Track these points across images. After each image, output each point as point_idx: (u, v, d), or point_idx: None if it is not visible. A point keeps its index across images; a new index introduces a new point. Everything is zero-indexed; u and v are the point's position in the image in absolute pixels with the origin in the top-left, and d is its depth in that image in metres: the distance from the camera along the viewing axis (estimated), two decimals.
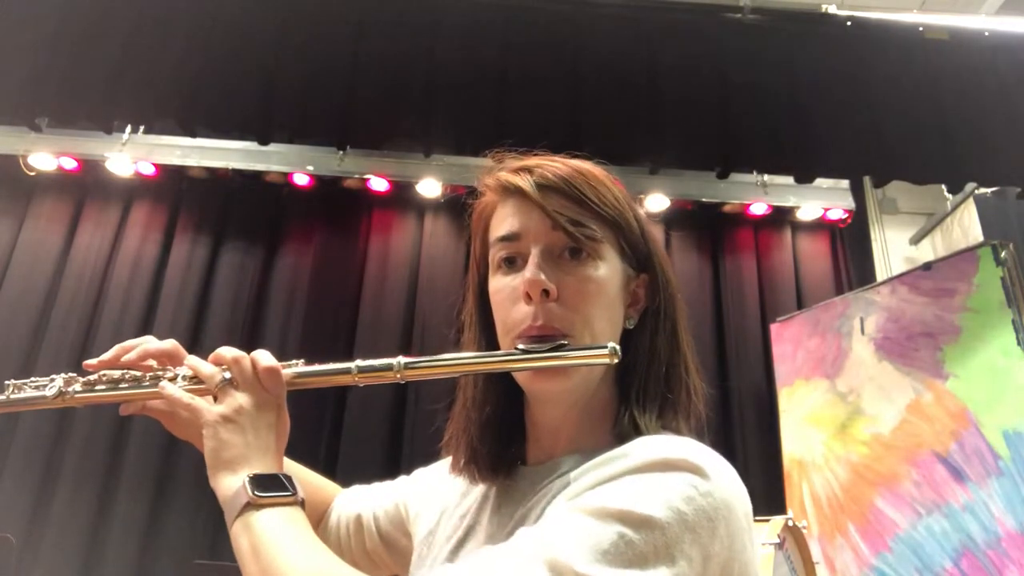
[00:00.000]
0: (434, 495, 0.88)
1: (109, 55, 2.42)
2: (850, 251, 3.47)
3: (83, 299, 3.11)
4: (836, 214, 3.40)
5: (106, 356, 0.81)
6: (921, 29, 2.62)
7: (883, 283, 2.69)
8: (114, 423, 2.93)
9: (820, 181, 3.25)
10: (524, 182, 0.74)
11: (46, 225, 3.23)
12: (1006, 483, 2.11)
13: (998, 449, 2.15)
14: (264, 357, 0.75)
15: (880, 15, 2.64)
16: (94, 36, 2.45)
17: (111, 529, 2.80)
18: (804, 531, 1.95)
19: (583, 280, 0.72)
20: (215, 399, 0.74)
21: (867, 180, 3.42)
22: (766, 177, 3.37)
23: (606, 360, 0.68)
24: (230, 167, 3.27)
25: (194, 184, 3.36)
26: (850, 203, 3.40)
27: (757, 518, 0.65)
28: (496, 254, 0.76)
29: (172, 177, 3.32)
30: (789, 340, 2.94)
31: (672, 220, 3.30)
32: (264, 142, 2.52)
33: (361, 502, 0.97)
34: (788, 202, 3.39)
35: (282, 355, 0.77)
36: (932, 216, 3.49)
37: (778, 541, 1.77)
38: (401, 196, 3.38)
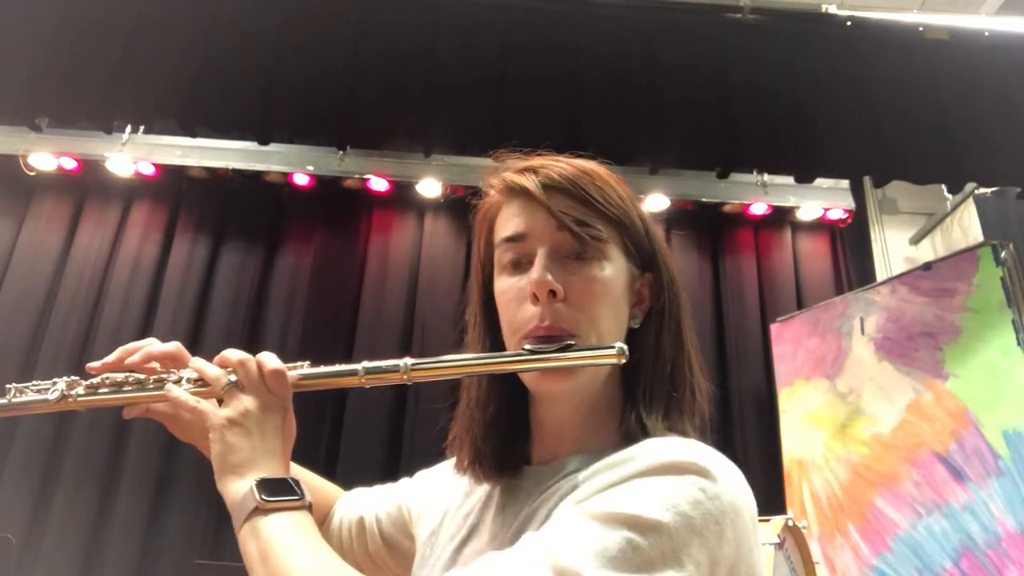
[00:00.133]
0: (437, 496, 0.88)
1: (109, 55, 2.42)
2: (850, 251, 3.47)
3: (83, 299, 3.11)
4: (836, 214, 3.40)
5: (109, 359, 0.81)
6: (921, 29, 2.62)
7: (883, 283, 2.69)
8: (114, 424, 2.93)
9: (820, 181, 3.25)
10: (529, 182, 0.74)
11: (46, 225, 3.23)
12: (1006, 483, 2.11)
13: (998, 449, 2.15)
14: (270, 360, 0.75)
15: (880, 15, 2.64)
16: (94, 36, 2.45)
17: (111, 529, 2.80)
18: (804, 531, 1.95)
19: (589, 280, 0.72)
20: (221, 402, 0.73)
21: (867, 180, 3.42)
22: (766, 177, 3.37)
23: (614, 360, 0.69)
24: (230, 167, 3.27)
25: (194, 184, 3.36)
26: (850, 203, 3.40)
27: (758, 518, 0.65)
28: (502, 255, 0.76)
29: (172, 177, 3.32)
30: (789, 340, 2.94)
31: (672, 220, 3.30)
32: (264, 142, 2.52)
33: (363, 504, 0.97)
34: (788, 202, 3.39)
35: (282, 356, 0.77)
36: (932, 216, 3.49)
37: (778, 541, 1.77)
38: (401, 196, 3.38)
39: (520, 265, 0.74)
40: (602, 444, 0.71)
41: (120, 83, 2.41)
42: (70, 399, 0.78)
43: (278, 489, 0.68)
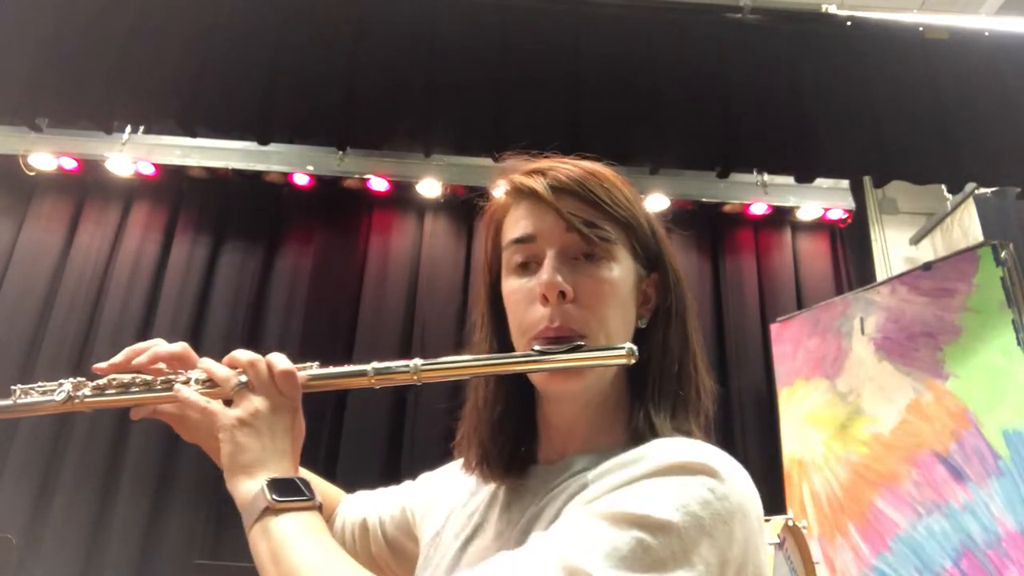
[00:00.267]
0: (440, 498, 0.88)
1: (109, 55, 2.42)
2: (850, 251, 3.47)
3: (83, 299, 3.11)
4: (836, 214, 3.40)
5: (116, 359, 0.80)
6: (921, 29, 2.62)
7: (883, 283, 2.69)
8: (114, 424, 2.93)
9: (820, 181, 3.25)
10: (538, 184, 0.74)
11: (46, 225, 3.23)
12: (1006, 483, 2.11)
13: (998, 449, 2.15)
14: (280, 360, 0.75)
15: (880, 15, 2.64)
16: (94, 36, 2.45)
17: (111, 529, 2.80)
18: (804, 531, 1.96)
19: (598, 281, 0.72)
20: (230, 402, 0.74)
21: (867, 180, 3.42)
22: (766, 177, 3.37)
23: (624, 361, 0.69)
24: (230, 167, 3.27)
25: (194, 184, 3.36)
26: (850, 203, 3.40)
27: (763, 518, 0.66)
28: (510, 256, 0.76)
29: (172, 177, 3.32)
30: (789, 340, 2.94)
31: (672, 220, 3.29)
32: (264, 142, 2.52)
33: (366, 507, 0.97)
34: (788, 202, 3.39)
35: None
36: (932, 216, 3.49)
37: (778, 541, 1.77)
38: (401, 196, 3.38)
39: (528, 266, 0.74)
40: (610, 443, 0.72)
41: (120, 83, 2.41)
42: (76, 400, 0.78)
43: (289, 489, 0.68)
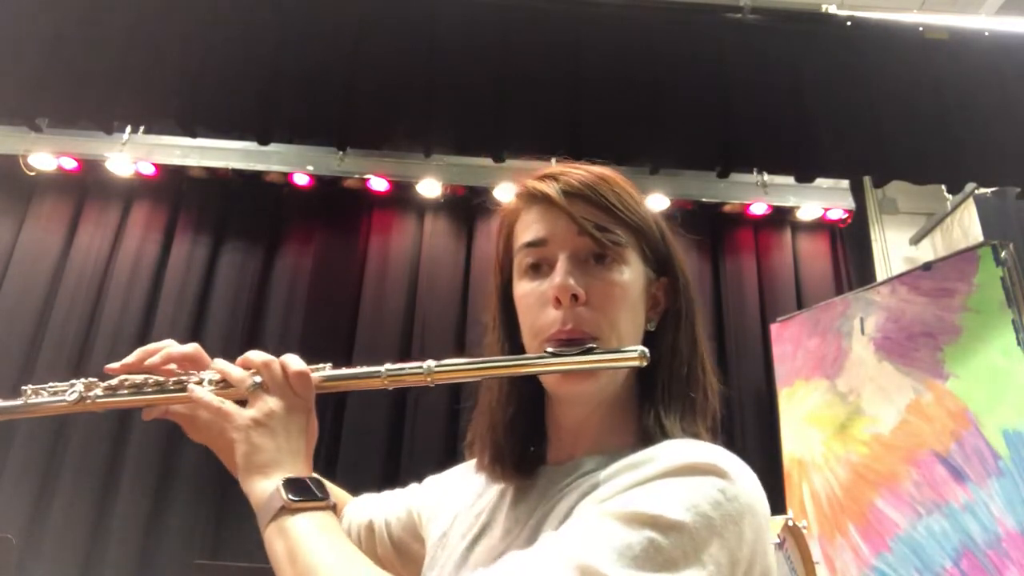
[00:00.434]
0: (447, 500, 0.89)
1: (109, 55, 2.42)
2: (850, 251, 3.47)
3: (83, 299, 3.11)
4: (836, 214, 3.40)
5: (129, 359, 0.81)
6: (921, 29, 2.62)
7: (883, 283, 2.69)
8: (114, 424, 2.93)
9: (820, 181, 3.25)
10: (550, 189, 0.75)
11: (46, 225, 3.23)
12: (1006, 483, 2.11)
13: (998, 449, 2.15)
14: (294, 361, 0.76)
15: (880, 15, 2.64)
16: (94, 36, 2.44)
17: (111, 529, 2.80)
18: (804, 531, 1.95)
19: (610, 284, 0.73)
20: (245, 403, 0.74)
21: (867, 180, 3.42)
22: (766, 177, 3.37)
23: (636, 363, 0.70)
24: (230, 167, 3.27)
25: (194, 184, 3.36)
26: (850, 203, 3.40)
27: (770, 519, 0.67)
28: (522, 259, 0.77)
29: (172, 177, 3.32)
30: (789, 340, 2.94)
31: (672, 220, 3.29)
32: (264, 142, 2.52)
33: (372, 509, 0.97)
34: (788, 202, 3.39)
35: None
36: (932, 216, 3.49)
37: (778, 541, 1.77)
38: (401, 196, 3.38)
39: (540, 269, 0.75)
40: (619, 445, 0.72)
41: (120, 83, 2.41)
42: (88, 400, 0.78)
43: (304, 489, 0.69)
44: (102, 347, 3.01)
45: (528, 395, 0.80)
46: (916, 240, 3.53)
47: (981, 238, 2.94)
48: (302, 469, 0.72)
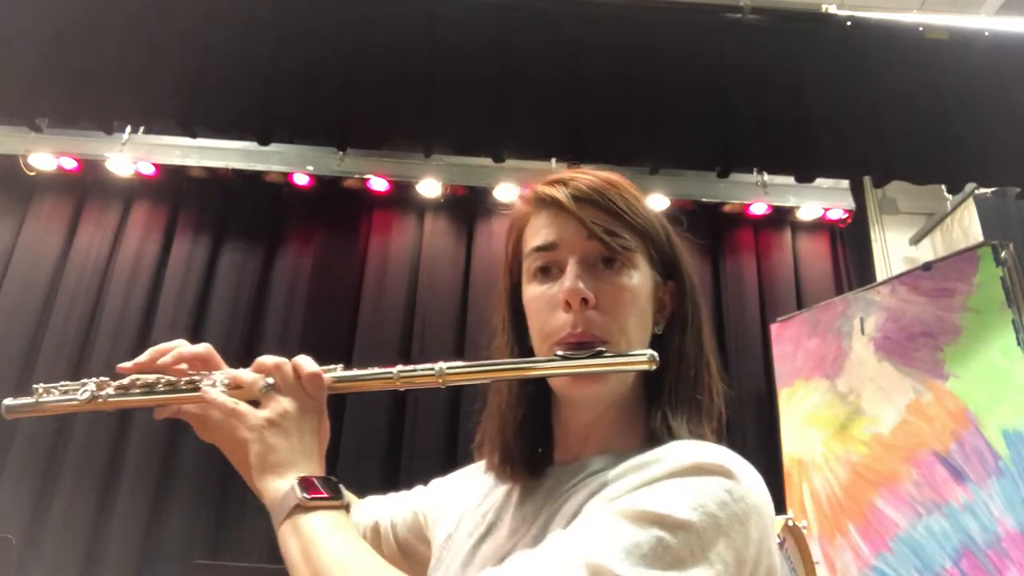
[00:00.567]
0: (452, 502, 0.89)
1: (109, 55, 2.42)
2: (850, 251, 3.47)
3: (83, 299, 3.11)
4: (836, 214, 3.40)
5: (141, 359, 0.81)
6: (921, 29, 2.62)
7: (883, 283, 2.69)
8: (114, 424, 2.93)
9: (820, 181, 3.25)
10: (560, 193, 0.76)
11: (46, 225, 3.23)
12: (1006, 483, 2.11)
13: (998, 449, 2.15)
14: (307, 363, 0.77)
15: (880, 15, 2.64)
16: (94, 36, 2.44)
17: (111, 529, 2.80)
18: (804, 531, 1.96)
19: (619, 288, 0.74)
20: (257, 404, 0.75)
21: (867, 180, 3.42)
22: (766, 177, 3.37)
23: (645, 366, 0.71)
24: (230, 167, 3.27)
25: (194, 184, 3.36)
26: (850, 203, 3.40)
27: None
28: (532, 263, 0.78)
29: (172, 177, 3.32)
30: (789, 340, 2.94)
31: (671, 220, 3.29)
32: (264, 142, 2.52)
33: (378, 511, 0.98)
34: (788, 202, 3.39)
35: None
36: (932, 216, 3.49)
37: (778, 541, 1.77)
38: (401, 196, 3.38)
39: (549, 272, 0.76)
40: (626, 446, 0.73)
41: (120, 83, 2.40)
42: (100, 400, 0.78)
43: (318, 488, 0.70)
44: (102, 347, 3.01)
45: (537, 397, 0.81)
46: (916, 240, 3.53)
47: (981, 238, 2.94)
48: (315, 469, 0.73)
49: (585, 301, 0.72)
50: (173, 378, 0.80)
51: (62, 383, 0.80)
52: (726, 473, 0.62)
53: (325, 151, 3.27)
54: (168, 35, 2.45)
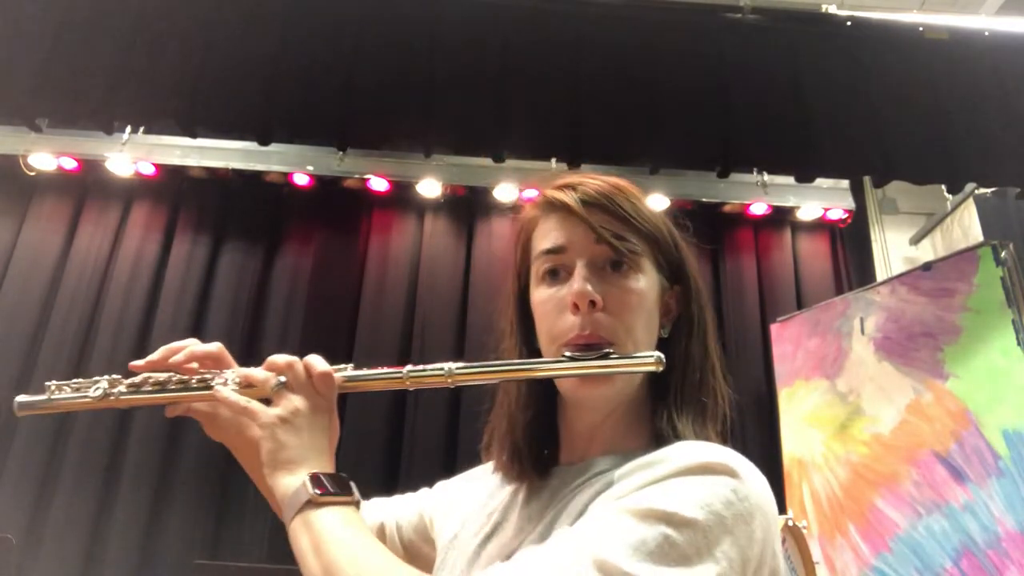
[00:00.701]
0: (457, 504, 0.90)
1: (109, 55, 2.42)
2: (850, 251, 3.47)
3: (83, 299, 3.11)
4: (836, 214, 3.40)
5: (153, 357, 0.82)
6: (921, 29, 2.62)
7: (883, 283, 2.69)
8: (114, 424, 2.93)
9: (820, 181, 3.25)
10: (568, 198, 0.78)
11: (46, 225, 3.23)
12: (1006, 483, 2.11)
13: (998, 449, 2.15)
14: (318, 362, 0.78)
15: (880, 15, 2.64)
16: (94, 36, 2.44)
17: (111, 529, 2.80)
18: (804, 531, 1.96)
19: (626, 291, 0.76)
20: (269, 403, 0.76)
21: (867, 180, 3.42)
22: (766, 177, 3.37)
23: (652, 368, 0.72)
24: (230, 167, 3.27)
25: (194, 184, 3.36)
26: (850, 203, 3.40)
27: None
28: (540, 266, 0.79)
29: (172, 177, 3.32)
30: (789, 340, 2.94)
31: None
32: (264, 142, 2.52)
33: (383, 512, 0.98)
34: (788, 202, 3.39)
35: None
36: (932, 216, 3.49)
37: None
38: (401, 196, 3.38)
39: (558, 275, 0.78)
40: (632, 446, 0.75)
41: (120, 83, 2.40)
42: (112, 397, 0.79)
43: (329, 484, 0.71)
44: (102, 347, 3.01)
45: (544, 398, 0.82)
46: (916, 240, 3.53)
47: (981, 238, 2.94)
48: (326, 466, 0.74)
49: (593, 303, 0.73)
50: (185, 376, 0.81)
51: (74, 380, 0.81)
52: (732, 473, 0.62)
53: (325, 151, 3.27)
54: (168, 35, 2.45)
